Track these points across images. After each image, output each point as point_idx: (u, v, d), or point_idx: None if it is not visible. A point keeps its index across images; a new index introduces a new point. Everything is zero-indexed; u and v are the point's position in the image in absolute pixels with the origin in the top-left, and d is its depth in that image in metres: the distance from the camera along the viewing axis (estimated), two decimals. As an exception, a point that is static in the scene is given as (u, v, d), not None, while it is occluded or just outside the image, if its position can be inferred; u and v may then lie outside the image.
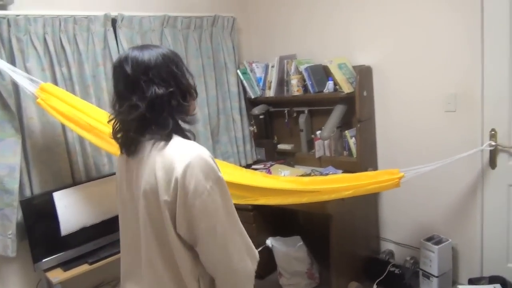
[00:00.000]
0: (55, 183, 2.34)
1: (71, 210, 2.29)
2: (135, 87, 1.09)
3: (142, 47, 1.15)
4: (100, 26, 2.50)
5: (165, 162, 1.07)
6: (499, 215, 2.44)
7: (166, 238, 1.10)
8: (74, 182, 2.41)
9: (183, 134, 1.16)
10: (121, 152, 1.21)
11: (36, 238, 2.19)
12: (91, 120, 2.07)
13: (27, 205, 2.17)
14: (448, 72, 2.51)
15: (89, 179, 2.45)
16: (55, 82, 2.31)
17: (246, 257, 1.13)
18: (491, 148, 2.38)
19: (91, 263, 2.30)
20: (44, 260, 2.22)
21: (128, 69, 1.10)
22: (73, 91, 2.36)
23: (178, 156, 1.06)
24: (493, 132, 2.37)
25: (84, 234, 2.35)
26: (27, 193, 2.25)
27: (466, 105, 2.48)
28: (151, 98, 1.08)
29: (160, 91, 1.09)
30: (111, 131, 1.20)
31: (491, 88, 2.35)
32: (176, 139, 1.12)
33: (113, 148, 2.07)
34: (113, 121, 1.18)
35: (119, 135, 1.18)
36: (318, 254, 2.92)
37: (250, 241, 1.17)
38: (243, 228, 1.15)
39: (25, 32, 2.20)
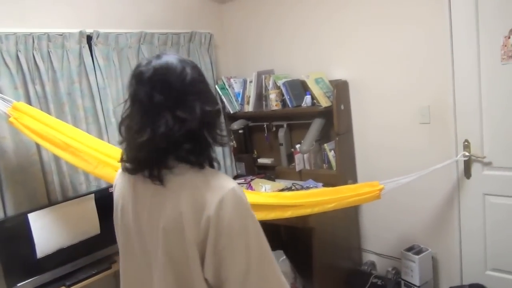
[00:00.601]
0: (30, 204, 2.26)
1: (47, 232, 2.22)
2: (178, 101, 0.95)
3: (176, 56, 1.01)
4: (75, 43, 2.47)
5: (193, 197, 0.94)
6: (475, 223, 2.50)
7: (190, 281, 0.96)
8: (50, 202, 2.34)
9: (211, 162, 1.02)
10: (130, 172, 1.03)
11: (10, 262, 2.10)
12: (66, 138, 2.02)
13: (0, 227, 2.08)
14: (421, 85, 2.59)
15: (66, 198, 2.39)
16: (28, 100, 2.26)
17: None
18: (465, 158, 2.44)
19: (69, 286, 2.22)
20: (19, 285, 2.13)
21: (174, 78, 0.96)
22: (47, 110, 2.32)
23: (209, 190, 0.94)
24: (466, 143, 2.44)
25: (61, 256, 2.27)
26: (0, 215, 2.17)
27: (439, 117, 2.55)
28: (201, 114, 0.95)
29: (208, 108, 0.98)
30: (126, 147, 1.02)
31: (462, 100, 2.43)
32: (207, 170, 0.99)
33: (90, 166, 2.05)
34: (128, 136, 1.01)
35: (133, 154, 1.00)
36: (301, 267, 2.90)
37: (285, 281, 1.03)
38: (279, 269, 1.01)
39: (-3, 50, 2.15)
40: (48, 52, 2.36)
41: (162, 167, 0.96)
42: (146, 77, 0.96)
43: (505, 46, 2.22)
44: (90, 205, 2.39)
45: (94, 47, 2.55)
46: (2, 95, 2.05)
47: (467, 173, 2.49)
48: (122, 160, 1.05)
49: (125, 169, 1.04)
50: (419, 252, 2.65)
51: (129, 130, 1.00)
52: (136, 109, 0.98)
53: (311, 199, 2.17)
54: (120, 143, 1.05)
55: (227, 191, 0.94)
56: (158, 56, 1.00)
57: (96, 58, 2.56)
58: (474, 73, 2.35)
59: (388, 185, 2.17)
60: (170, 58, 0.99)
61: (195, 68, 1.01)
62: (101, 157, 2.02)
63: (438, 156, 2.50)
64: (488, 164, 2.40)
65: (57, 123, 2.10)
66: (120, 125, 1.04)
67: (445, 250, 2.67)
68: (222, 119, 1.05)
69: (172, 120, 0.93)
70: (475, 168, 2.46)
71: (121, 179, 1.11)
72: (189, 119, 0.94)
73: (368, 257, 3.08)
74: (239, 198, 0.95)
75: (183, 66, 0.99)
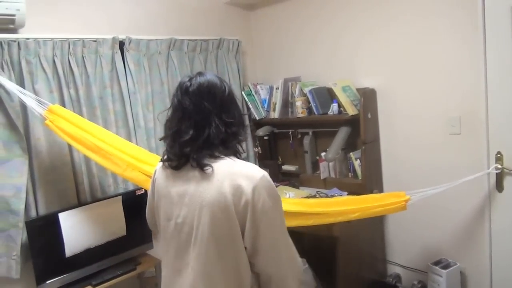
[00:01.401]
0: (60, 203, 2.34)
1: (76, 231, 2.28)
2: (222, 108, 1.22)
3: (214, 74, 1.29)
4: (108, 49, 2.55)
5: (233, 182, 1.16)
6: (507, 238, 2.41)
7: (233, 252, 1.19)
8: (79, 202, 2.41)
9: (241, 154, 1.29)
10: (175, 168, 1.25)
11: (40, 260, 2.18)
12: (97, 141, 2.09)
13: (32, 226, 2.16)
14: (452, 95, 2.53)
15: (94, 199, 2.46)
16: (62, 103, 2.35)
17: (298, 270, 1.34)
18: (498, 171, 2.36)
19: (95, 285, 2.28)
20: (48, 282, 2.20)
21: (217, 91, 1.22)
22: (80, 113, 2.39)
23: (245, 178, 1.16)
24: (499, 155, 2.36)
25: (89, 256, 2.34)
26: (33, 213, 2.25)
27: (471, 127, 2.48)
28: (238, 118, 1.25)
29: (242, 113, 1.30)
30: (170, 146, 1.25)
31: (495, 110, 2.36)
32: (238, 160, 1.24)
33: (119, 169, 2.11)
34: (175, 134, 1.23)
35: (179, 151, 1.22)
36: (324, 277, 2.87)
37: (297, 253, 1.32)
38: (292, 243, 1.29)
39: (34, 54, 2.25)
40: (83, 57, 2.45)
41: (205, 158, 1.19)
42: (192, 90, 1.22)
43: (542, 55, 2.15)
44: (117, 207, 2.45)
45: (126, 53, 2.62)
46: (38, 98, 2.13)
47: (499, 186, 2.40)
48: (165, 160, 1.28)
49: (170, 166, 1.26)
50: (446, 266, 2.58)
51: (170, 129, 1.24)
52: (180, 115, 1.22)
53: (335, 207, 2.15)
54: (163, 139, 1.30)
55: (259, 178, 1.17)
56: (200, 73, 1.26)
57: (127, 64, 2.63)
58: (509, 81, 2.27)
59: (415, 196, 2.12)
60: (210, 75, 1.26)
61: (227, 84, 1.29)
62: (130, 160, 2.08)
63: (468, 168, 2.43)
64: (522, 178, 2.32)
65: (90, 126, 2.17)
66: (165, 126, 1.29)
67: (475, 265, 2.59)
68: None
69: (220, 122, 1.20)
70: (508, 181, 2.37)
71: (162, 173, 1.32)
72: (233, 122, 1.23)
73: (393, 269, 3.01)
74: (268, 183, 1.19)
75: (221, 81, 1.27)
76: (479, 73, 2.38)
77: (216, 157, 1.20)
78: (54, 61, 2.33)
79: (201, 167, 1.18)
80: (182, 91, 1.22)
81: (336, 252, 2.56)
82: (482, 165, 2.42)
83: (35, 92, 2.24)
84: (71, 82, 2.40)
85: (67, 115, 2.12)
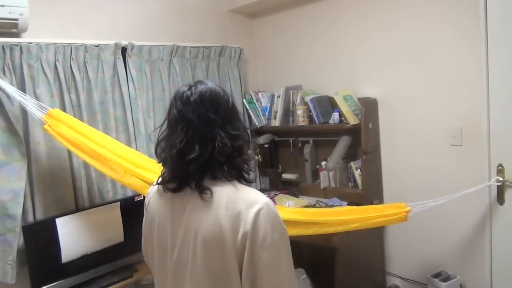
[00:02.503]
0: (58, 209, 2.33)
1: (73, 237, 2.26)
2: (227, 119, 1.08)
3: (214, 83, 1.15)
4: (110, 55, 2.55)
5: (231, 211, 1.01)
6: (508, 251, 2.38)
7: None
8: (77, 208, 2.40)
9: (245, 177, 1.11)
10: (173, 191, 1.10)
11: (36, 265, 2.15)
12: (96, 147, 2.07)
13: (29, 231, 2.14)
14: (454, 106, 2.52)
15: (93, 205, 2.44)
16: (63, 108, 2.34)
17: None
18: (499, 183, 2.34)
19: (90, 292, 2.25)
20: (43, 288, 2.18)
21: (221, 100, 1.09)
22: (81, 118, 2.39)
23: (245, 205, 1.01)
24: (500, 168, 2.35)
25: (85, 262, 2.31)
26: (30, 218, 2.23)
27: (472, 139, 2.47)
28: (242, 131, 1.10)
29: (246, 127, 1.13)
30: (168, 166, 1.10)
31: (497, 122, 2.35)
32: (241, 186, 1.08)
33: (117, 175, 2.10)
34: (172, 151, 1.07)
35: (179, 170, 1.07)
36: (322, 287, 2.84)
37: None
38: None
39: (36, 59, 2.25)
40: (84, 62, 2.45)
41: (206, 180, 1.05)
42: (193, 99, 1.07)
43: (544, 68, 2.14)
44: (115, 213, 2.43)
45: (128, 59, 2.63)
46: (38, 102, 2.13)
47: (500, 199, 2.38)
48: (162, 182, 1.12)
49: (167, 189, 1.11)
50: (446, 279, 2.55)
51: (172, 148, 1.06)
52: (183, 128, 1.05)
53: (335, 217, 2.13)
54: (161, 162, 1.13)
55: (261, 206, 1.01)
56: (200, 82, 1.12)
57: (129, 69, 2.63)
58: (511, 94, 2.27)
59: (416, 208, 2.10)
60: (211, 84, 1.12)
61: (230, 94, 1.14)
62: (128, 166, 2.06)
63: (469, 180, 2.41)
64: (524, 191, 2.30)
65: (89, 131, 2.16)
66: (157, 146, 1.13)
67: (475, 278, 2.56)
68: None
69: (225, 135, 1.05)
70: (509, 194, 2.35)
71: (157, 198, 1.18)
72: (239, 135, 1.08)
73: (392, 281, 2.98)
74: (273, 213, 1.03)
75: (224, 91, 1.13)
76: (481, 84, 2.37)
77: (218, 181, 1.06)
78: (55, 66, 2.33)
79: (201, 190, 1.04)
80: (183, 101, 1.07)
81: (335, 262, 2.53)
82: (483, 177, 2.40)
83: (36, 96, 2.24)
84: (72, 87, 2.40)
85: (66, 119, 2.11)
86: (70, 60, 2.38)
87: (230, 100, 1.12)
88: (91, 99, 2.47)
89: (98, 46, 2.50)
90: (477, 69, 2.37)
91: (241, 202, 1.02)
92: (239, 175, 1.10)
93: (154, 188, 1.21)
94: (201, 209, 1.05)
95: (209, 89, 1.09)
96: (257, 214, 1.00)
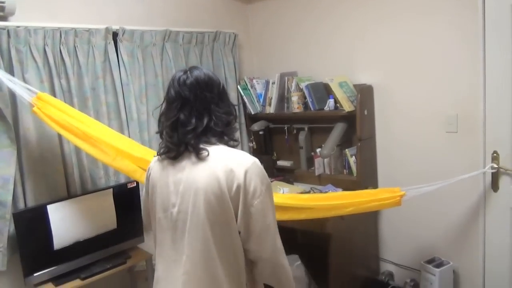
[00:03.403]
0: (49, 195, 2.30)
1: (65, 224, 2.25)
2: (220, 98, 1.29)
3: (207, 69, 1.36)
4: (101, 39, 2.50)
5: (226, 168, 1.20)
6: (501, 238, 2.39)
7: (229, 236, 1.23)
8: (69, 195, 2.38)
9: (234, 142, 1.33)
10: (173, 158, 1.27)
11: (28, 252, 2.14)
12: (87, 129, 2.04)
13: (19, 217, 2.12)
14: (449, 93, 2.50)
15: (85, 192, 2.42)
16: (53, 94, 2.30)
17: (284, 254, 1.34)
18: (493, 170, 2.34)
19: (83, 279, 2.24)
20: (35, 275, 2.16)
21: (214, 82, 1.29)
22: (71, 104, 2.35)
23: (236, 163, 1.21)
24: (495, 155, 2.34)
25: (78, 249, 2.30)
26: (21, 205, 2.21)
27: (468, 126, 2.45)
28: (233, 108, 1.33)
29: (234, 105, 1.37)
30: (167, 137, 1.28)
31: (493, 110, 2.33)
32: (231, 148, 1.29)
33: (108, 158, 2.06)
34: (170, 125, 1.26)
35: (178, 140, 1.25)
36: (316, 273, 2.85)
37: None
38: None
39: (24, 43, 2.19)
40: (75, 47, 2.40)
41: (202, 144, 1.24)
42: (190, 82, 1.26)
43: (541, 54, 2.12)
44: (108, 200, 2.42)
45: (119, 44, 2.58)
46: (27, 86, 2.08)
47: (495, 185, 2.38)
48: (162, 153, 1.31)
49: (168, 157, 1.29)
50: (440, 265, 2.56)
51: (167, 121, 1.27)
52: (179, 105, 1.25)
53: (328, 202, 2.13)
54: (159, 132, 1.34)
55: (250, 163, 1.22)
56: (195, 67, 1.32)
57: (120, 55, 2.58)
58: (508, 80, 2.25)
59: (410, 192, 2.10)
60: (205, 69, 1.32)
61: (220, 78, 1.36)
62: (119, 149, 2.03)
63: (464, 167, 2.41)
64: (518, 177, 2.30)
65: (79, 115, 2.13)
66: (160, 118, 1.33)
67: (468, 264, 2.57)
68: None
69: (218, 111, 1.26)
70: (504, 181, 2.35)
71: (157, 167, 1.34)
72: (229, 111, 1.30)
73: (386, 267, 3.00)
74: (260, 169, 1.25)
75: (216, 76, 1.33)
76: (478, 72, 2.35)
77: (212, 144, 1.25)
78: (45, 51, 2.28)
79: (197, 151, 1.22)
80: (180, 83, 1.26)
81: (329, 249, 2.54)
82: (478, 164, 2.40)
83: (25, 81, 2.18)
84: (62, 72, 2.35)
85: (55, 103, 2.07)
86: (60, 44, 2.33)
87: (221, 83, 1.33)
88: (82, 85, 2.43)
89: (88, 31, 2.44)
90: (474, 57, 2.35)
91: (233, 160, 1.22)
92: (228, 141, 1.30)
93: (155, 159, 1.38)
94: (199, 167, 1.22)
95: (204, 73, 1.29)
96: (247, 170, 1.20)
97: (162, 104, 1.33)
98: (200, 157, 1.22)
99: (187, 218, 1.22)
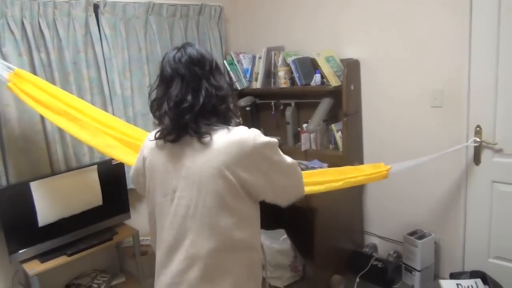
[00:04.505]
0: (32, 172, 2.27)
1: (49, 201, 2.23)
2: (212, 74, 1.25)
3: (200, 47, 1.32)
4: (81, 11, 2.42)
5: (229, 148, 1.16)
6: (481, 211, 2.45)
7: (233, 209, 1.19)
8: (52, 172, 2.34)
9: (234, 119, 1.29)
10: (172, 141, 1.22)
11: (12, 229, 2.12)
12: (67, 107, 1.98)
13: (2, 195, 2.09)
14: (435, 68, 2.50)
15: (69, 169, 2.39)
16: (33, 68, 2.24)
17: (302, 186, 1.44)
18: (476, 144, 2.38)
19: (69, 255, 2.24)
20: (20, 252, 2.16)
21: (206, 59, 1.25)
22: (52, 78, 2.29)
23: (242, 139, 1.17)
24: (478, 129, 2.37)
25: (63, 225, 2.29)
26: (3, 182, 2.18)
27: (452, 101, 2.47)
28: (225, 84, 1.28)
29: (228, 82, 1.32)
30: (166, 119, 1.20)
31: (477, 85, 2.35)
32: (231, 128, 1.22)
33: (88, 136, 1.98)
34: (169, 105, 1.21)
35: (176, 121, 1.19)
36: (302, 247, 2.90)
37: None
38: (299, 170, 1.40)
39: (1, 15, 2.12)
40: (54, 20, 2.32)
41: (203, 127, 1.19)
42: (184, 59, 1.23)
43: (526, 28, 2.12)
44: (93, 176, 2.39)
45: (100, 16, 2.50)
46: (4, 62, 2.00)
47: (477, 159, 2.42)
48: (160, 136, 1.24)
49: (167, 141, 1.23)
50: (422, 237, 2.63)
51: (170, 101, 1.20)
52: (177, 83, 1.21)
53: (314, 178, 2.14)
54: (157, 117, 1.25)
55: (253, 138, 1.18)
56: (188, 44, 1.28)
57: (102, 28, 2.51)
58: (492, 56, 2.26)
59: (395, 167, 2.13)
60: (198, 47, 1.28)
61: (212, 55, 1.31)
62: (101, 128, 1.98)
63: (448, 141, 2.44)
64: (499, 151, 2.34)
65: (59, 92, 2.06)
66: (153, 103, 1.26)
67: (449, 236, 2.64)
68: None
69: (210, 86, 1.22)
70: (485, 154, 2.40)
71: (156, 152, 1.28)
72: (222, 86, 1.25)
73: (370, 240, 3.07)
74: (264, 139, 1.21)
75: (209, 53, 1.29)
76: (463, 47, 2.35)
77: (212, 126, 1.20)
78: (22, 23, 2.20)
79: (200, 135, 1.17)
80: (175, 60, 1.23)
81: (315, 223, 2.57)
82: (461, 138, 2.43)
83: (2, 55, 2.13)
84: (41, 45, 2.28)
85: (34, 80, 2.00)
86: (38, 17, 2.25)
87: (214, 60, 1.29)
88: (63, 59, 2.36)
89: (68, 2, 2.36)
90: (460, 32, 2.35)
91: (235, 142, 1.17)
92: (227, 121, 1.25)
93: (151, 144, 1.31)
94: (202, 151, 1.18)
95: (196, 50, 1.25)
96: (254, 148, 1.17)
97: (154, 83, 1.28)
98: (202, 141, 1.17)
99: (191, 204, 1.18)
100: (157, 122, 1.25)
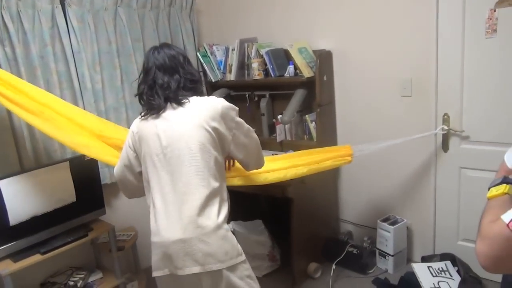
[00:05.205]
0: (1, 170, 2.20)
1: (20, 199, 2.16)
2: (185, 64, 1.65)
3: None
4: (46, 3, 2.34)
5: (204, 108, 1.55)
6: (450, 195, 2.55)
7: (214, 160, 1.54)
8: (22, 169, 2.28)
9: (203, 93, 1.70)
10: (157, 111, 1.56)
11: (-18, 229, 2.06)
12: (37, 105, 1.93)
13: (-30, 194, 2.03)
14: (405, 58, 2.56)
15: (40, 165, 2.33)
16: (-3, 62, 2.16)
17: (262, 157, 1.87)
18: (444, 132, 2.46)
19: (43, 253, 2.19)
20: (-9, 252, 2.10)
21: (184, 54, 1.70)
22: (18, 73, 2.22)
23: (212, 104, 1.56)
24: (445, 117, 2.45)
25: (36, 223, 2.23)
26: (-30, 182, 2.10)
27: (421, 90, 2.54)
28: (195, 71, 1.70)
29: (194, 68, 1.74)
30: (150, 93, 1.59)
31: (444, 74, 2.42)
32: (203, 97, 1.64)
33: (60, 133, 1.94)
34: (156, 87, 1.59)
35: (162, 96, 1.57)
36: (279, 237, 2.95)
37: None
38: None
39: (-39, 7, 2.03)
40: (18, 12, 2.24)
41: (181, 97, 1.58)
42: (161, 54, 1.63)
43: (490, 19, 2.20)
44: (65, 173, 2.34)
45: (67, 8, 2.43)
46: None
47: (445, 146, 2.51)
48: (146, 113, 1.60)
49: (153, 112, 1.57)
50: (394, 222, 2.71)
51: (151, 84, 1.60)
52: (157, 71, 1.60)
53: (280, 164, 2.19)
54: (139, 94, 1.64)
55: (221, 101, 1.60)
56: (166, 44, 1.70)
57: (70, 20, 2.44)
58: (458, 46, 2.33)
59: (356, 148, 2.30)
60: (173, 47, 1.70)
61: (183, 51, 1.74)
62: (78, 128, 1.95)
63: (418, 129, 2.51)
64: (466, 138, 2.43)
65: (29, 87, 2.00)
66: (143, 91, 1.62)
67: (420, 220, 2.74)
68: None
69: (184, 72, 1.63)
70: (453, 141, 2.49)
71: (143, 125, 1.60)
72: (194, 73, 1.67)
73: (346, 227, 3.14)
74: (229, 105, 1.61)
75: (181, 50, 1.73)
76: (431, 38, 2.42)
77: (188, 96, 1.58)
78: (-16, 16, 2.12)
79: (179, 101, 1.56)
80: (155, 55, 1.62)
81: (291, 213, 2.61)
82: (430, 126, 2.51)
83: (-36, 49, 2.04)
84: (6, 39, 2.20)
85: (6, 77, 1.92)
86: (1, 9, 2.16)
87: (185, 55, 1.70)
88: (29, 53, 2.29)
89: (32, -6, 2.28)
90: (427, 24, 2.41)
91: (208, 102, 1.58)
92: (198, 95, 1.64)
93: (138, 121, 1.64)
94: (183, 112, 1.54)
95: (171, 49, 1.67)
96: (222, 105, 1.57)
97: (140, 76, 1.66)
98: (181, 104, 1.55)
99: (180, 154, 1.49)
100: (144, 104, 1.61)
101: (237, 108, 1.64)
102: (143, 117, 1.60)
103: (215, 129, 1.52)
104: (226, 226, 1.54)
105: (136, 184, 1.71)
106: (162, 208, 1.52)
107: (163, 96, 1.56)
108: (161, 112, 1.55)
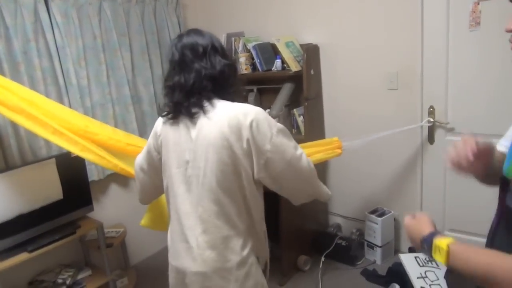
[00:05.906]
0: (-15, 169, 2.17)
1: (5, 197, 2.14)
2: (202, 57, 1.30)
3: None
4: (29, -2, 2.30)
5: (232, 121, 1.23)
6: (436, 187, 2.59)
7: (239, 188, 1.28)
8: (7, 167, 2.25)
9: (235, 98, 1.33)
10: (173, 117, 1.32)
11: (-34, 229, 2.03)
12: (22, 102, 1.88)
13: (-47, 193, 1.99)
14: (391, 52, 2.58)
15: (25, 163, 2.30)
16: (-21, 59, 2.11)
17: (319, 182, 1.49)
18: (430, 124, 2.49)
19: (30, 251, 2.17)
20: (-24, 251, 2.07)
21: (207, 43, 1.32)
22: (1, 69, 2.19)
23: (240, 116, 1.23)
24: (431, 109, 2.48)
25: (22, 222, 2.21)
26: (-47, 180, 2.07)
27: (407, 83, 2.56)
28: (221, 64, 1.31)
29: (225, 61, 1.34)
30: (173, 98, 1.31)
31: (429, 67, 2.45)
32: (233, 103, 1.28)
33: (46, 131, 1.89)
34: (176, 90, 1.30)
35: (180, 99, 1.29)
36: (269, 230, 2.94)
37: (314, 168, 1.41)
38: (307, 158, 1.37)
39: None
40: (-1, 6, 2.20)
41: (205, 102, 1.28)
42: (180, 45, 1.32)
43: (474, 12, 2.22)
44: (51, 170, 2.32)
45: (50, 3, 2.38)
46: None
47: (431, 138, 2.54)
48: (166, 113, 1.34)
49: (173, 118, 1.33)
50: (382, 214, 2.74)
51: (178, 83, 1.30)
52: (173, 69, 1.32)
53: None
54: (166, 95, 1.35)
55: (253, 114, 1.24)
56: (193, 30, 1.36)
57: (53, 15, 2.40)
58: (443, 39, 2.35)
59: (345, 140, 2.29)
60: (198, 32, 1.35)
61: (214, 39, 1.36)
62: (55, 126, 1.87)
63: (405, 122, 2.54)
64: (451, 130, 2.47)
65: (11, 84, 1.95)
66: (168, 87, 1.35)
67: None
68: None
69: (198, 68, 1.28)
70: (439, 133, 2.52)
71: (167, 127, 1.36)
72: (213, 66, 1.29)
73: (334, 220, 3.16)
74: (264, 116, 1.27)
75: (206, 37, 1.34)
76: (416, 32, 2.43)
77: (214, 101, 1.28)
78: (-36, 11, 2.07)
79: (190, 111, 1.27)
80: (175, 46, 1.33)
81: (280, 206, 2.62)
82: (416, 119, 2.54)
83: None
84: (-13, 34, 2.16)
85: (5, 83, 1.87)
86: (-18, 3, 2.12)
87: (209, 44, 1.33)
88: (11, 48, 2.25)
89: (14, -12, 2.23)
90: (413, 17, 2.42)
91: (236, 114, 1.24)
92: (227, 97, 1.31)
93: (162, 121, 1.40)
94: (208, 124, 1.26)
95: (192, 36, 1.33)
96: (253, 120, 1.22)
97: (169, 71, 1.36)
98: (206, 115, 1.26)
99: (200, 174, 1.27)
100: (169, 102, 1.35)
101: (281, 126, 1.29)
102: (165, 119, 1.37)
103: (241, 149, 1.24)
104: (251, 259, 1.38)
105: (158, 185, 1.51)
106: (178, 230, 1.36)
107: (176, 101, 1.30)
108: (175, 118, 1.33)
